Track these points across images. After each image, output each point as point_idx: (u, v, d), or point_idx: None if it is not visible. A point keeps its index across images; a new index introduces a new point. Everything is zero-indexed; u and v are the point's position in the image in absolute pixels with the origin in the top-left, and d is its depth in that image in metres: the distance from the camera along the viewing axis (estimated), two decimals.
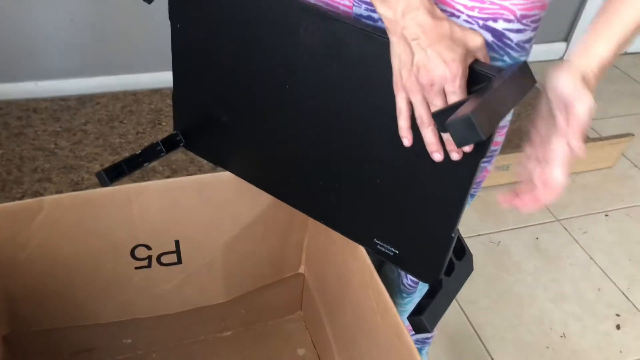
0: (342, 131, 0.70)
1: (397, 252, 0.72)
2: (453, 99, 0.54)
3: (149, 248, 0.88)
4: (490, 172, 0.86)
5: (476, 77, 0.55)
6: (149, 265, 0.90)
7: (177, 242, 0.90)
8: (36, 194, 1.38)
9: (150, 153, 0.85)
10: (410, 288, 0.95)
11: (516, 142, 1.73)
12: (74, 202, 0.80)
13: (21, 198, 1.35)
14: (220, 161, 0.86)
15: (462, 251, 0.72)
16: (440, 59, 0.53)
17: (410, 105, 0.58)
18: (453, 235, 0.67)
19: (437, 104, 0.55)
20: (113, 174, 0.81)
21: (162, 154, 0.84)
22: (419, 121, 0.57)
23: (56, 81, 1.73)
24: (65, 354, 0.96)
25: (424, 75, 0.54)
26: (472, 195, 0.84)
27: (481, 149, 0.58)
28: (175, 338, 1.04)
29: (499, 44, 0.64)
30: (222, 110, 0.80)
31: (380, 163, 0.68)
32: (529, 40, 0.66)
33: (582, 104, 0.55)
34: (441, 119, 0.53)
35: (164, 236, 0.88)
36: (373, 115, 0.66)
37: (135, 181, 0.84)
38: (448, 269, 0.69)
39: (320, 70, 0.68)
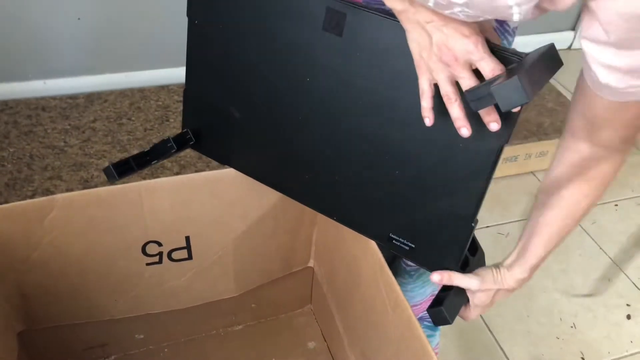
0: (360, 123, 0.70)
1: (413, 246, 0.72)
2: (484, 65, 0.54)
3: (159, 244, 0.89)
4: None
5: (503, 60, 0.56)
6: (160, 262, 0.91)
7: (187, 238, 0.90)
8: (47, 192, 1.39)
9: (160, 150, 0.84)
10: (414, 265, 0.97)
11: (524, 133, 1.73)
12: (85, 200, 0.81)
13: (32, 196, 1.36)
14: (230, 161, 0.85)
15: (475, 248, 0.72)
16: (459, 34, 0.53)
17: (433, 87, 0.59)
18: (473, 224, 0.67)
19: (465, 76, 0.55)
20: (121, 169, 0.80)
21: (172, 151, 0.84)
22: (445, 99, 0.57)
23: (64, 79, 1.74)
24: (78, 350, 0.98)
25: (446, 52, 0.54)
26: None
27: (506, 131, 0.58)
28: (186, 333, 1.05)
29: (501, 29, 0.66)
30: (236, 107, 0.80)
31: (400, 153, 0.69)
32: (516, 27, 0.74)
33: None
34: (473, 96, 0.53)
35: (175, 232, 0.89)
36: (393, 103, 0.67)
37: (145, 178, 0.84)
38: (463, 264, 0.69)
39: (339, 62, 0.68)
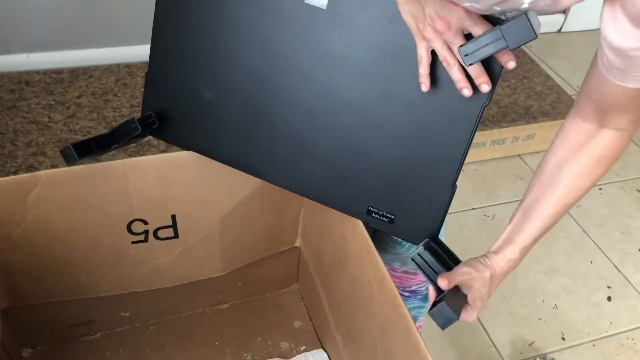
0: (339, 96, 0.70)
1: (393, 217, 0.73)
2: (477, 30, 0.57)
3: (145, 222, 0.89)
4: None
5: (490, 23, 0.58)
6: (146, 240, 0.91)
7: (173, 217, 0.90)
8: (31, 168, 1.37)
9: (124, 132, 0.77)
10: None
11: (512, 116, 1.73)
12: (69, 177, 0.80)
13: (15, 172, 1.34)
14: (197, 145, 0.81)
15: (455, 258, 0.72)
16: (450, 3, 0.56)
17: (430, 54, 0.62)
18: (453, 189, 0.68)
19: (458, 43, 0.58)
20: (82, 151, 0.73)
21: (136, 132, 0.76)
22: (445, 64, 0.61)
23: (49, 53, 1.71)
24: (64, 326, 0.97)
25: (439, 22, 0.57)
26: None
27: (490, 93, 0.62)
28: (172, 311, 1.05)
29: None
30: (206, 87, 0.77)
31: (378, 123, 0.69)
32: None
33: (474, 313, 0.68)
34: (466, 51, 0.57)
35: (160, 211, 0.88)
36: (374, 74, 0.67)
37: (130, 156, 0.83)
38: (448, 269, 0.68)
39: (323, 35, 0.67)
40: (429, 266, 0.69)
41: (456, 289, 0.67)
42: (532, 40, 0.53)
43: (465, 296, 0.68)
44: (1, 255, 0.83)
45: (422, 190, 0.70)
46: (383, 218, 0.73)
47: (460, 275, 0.67)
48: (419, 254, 0.69)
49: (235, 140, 0.79)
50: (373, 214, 0.74)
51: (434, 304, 0.64)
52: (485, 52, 0.57)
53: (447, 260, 0.70)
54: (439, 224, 0.71)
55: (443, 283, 0.64)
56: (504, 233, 0.71)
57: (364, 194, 0.74)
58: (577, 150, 0.66)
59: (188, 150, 0.83)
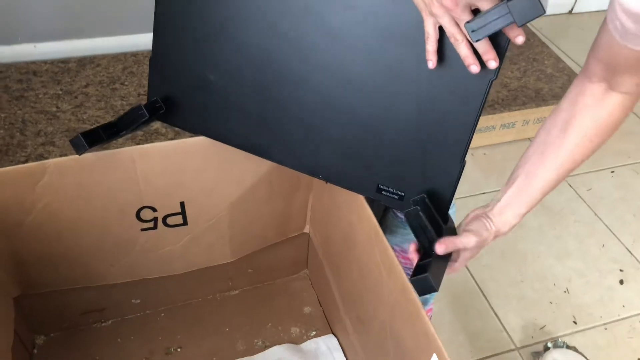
0: (346, 75, 0.69)
1: (402, 194, 0.72)
2: (484, 4, 0.57)
3: (154, 210, 0.89)
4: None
5: None
6: (155, 227, 0.91)
7: (182, 204, 0.90)
8: (40, 157, 1.37)
9: (131, 118, 0.77)
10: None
11: (522, 99, 1.71)
12: (78, 165, 0.80)
13: (25, 162, 1.35)
14: (204, 129, 0.81)
15: (445, 217, 0.71)
16: None
17: (438, 30, 0.62)
18: (462, 164, 0.68)
19: (465, 19, 0.58)
20: (91, 139, 0.74)
21: (144, 119, 0.77)
22: (452, 40, 0.61)
23: (55, 43, 1.71)
24: (76, 314, 0.98)
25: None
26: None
27: (497, 68, 0.62)
28: (183, 297, 1.06)
29: None
30: (211, 70, 0.76)
31: (387, 101, 0.68)
32: None
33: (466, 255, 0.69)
34: (473, 27, 0.57)
35: (169, 198, 0.88)
36: (380, 52, 0.66)
37: (138, 143, 0.83)
38: (437, 230, 0.68)
39: (325, 12, 0.67)
40: (420, 227, 0.68)
41: (442, 256, 0.67)
42: (540, 15, 0.53)
43: (448, 262, 0.68)
44: (12, 244, 0.83)
45: (432, 167, 0.70)
46: (393, 195, 0.73)
47: (462, 244, 0.67)
48: (411, 213, 0.68)
49: (242, 122, 0.78)
50: (383, 192, 0.74)
51: (417, 268, 0.65)
52: (493, 28, 0.56)
53: (439, 220, 0.69)
54: (448, 200, 0.70)
55: (440, 249, 0.64)
56: (505, 195, 0.70)
57: (373, 172, 0.73)
58: (583, 113, 0.66)
59: (195, 133, 0.82)
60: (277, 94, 0.74)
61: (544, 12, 0.53)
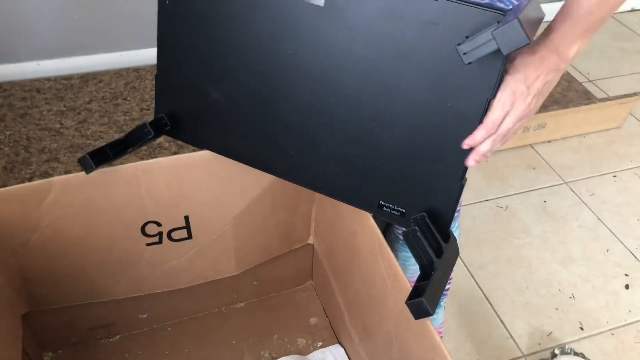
0: (346, 93, 0.70)
1: (404, 210, 0.73)
2: None
3: (159, 224, 0.89)
4: None
5: (491, 18, 0.59)
6: (160, 242, 0.91)
7: (186, 218, 0.90)
8: (45, 174, 1.38)
9: (137, 137, 0.80)
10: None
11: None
12: (83, 182, 0.81)
13: (30, 179, 1.36)
14: (209, 144, 0.83)
15: (447, 235, 0.72)
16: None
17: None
18: (462, 182, 0.68)
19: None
20: (98, 159, 0.77)
21: (149, 137, 0.80)
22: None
23: (58, 60, 1.73)
24: (83, 330, 0.99)
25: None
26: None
27: (493, 84, 0.63)
28: (189, 311, 1.06)
29: None
30: (214, 86, 0.78)
31: (387, 119, 0.69)
32: None
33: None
34: (464, 50, 0.59)
35: (174, 212, 0.89)
36: (379, 70, 0.67)
37: (142, 158, 0.83)
38: (437, 250, 0.69)
39: (322, 32, 0.67)
40: (419, 247, 0.68)
41: (440, 277, 0.66)
42: (525, 45, 0.55)
43: (445, 284, 0.67)
44: (19, 262, 0.84)
45: (432, 185, 0.70)
46: (394, 212, 0.73)
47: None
48: (410, 233, 0.68)
49: (245, 137, 0.79)
50: (384, 208, 0.74)
51: (414, 290, 0.64)
52: (479, 54, 0.58)
53: (439, 239, 0.69)
54: (449, 219, 0.71)
55: (472, 163, 0.67)
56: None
57: (374, 188, 0.74)
58: None
59: (199, 148, 0.84)
60: (280, 110, 0.75)
61: (529, 42, 0.54)
